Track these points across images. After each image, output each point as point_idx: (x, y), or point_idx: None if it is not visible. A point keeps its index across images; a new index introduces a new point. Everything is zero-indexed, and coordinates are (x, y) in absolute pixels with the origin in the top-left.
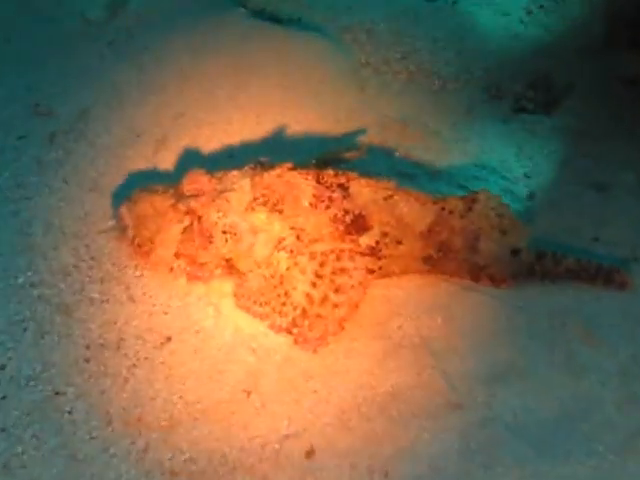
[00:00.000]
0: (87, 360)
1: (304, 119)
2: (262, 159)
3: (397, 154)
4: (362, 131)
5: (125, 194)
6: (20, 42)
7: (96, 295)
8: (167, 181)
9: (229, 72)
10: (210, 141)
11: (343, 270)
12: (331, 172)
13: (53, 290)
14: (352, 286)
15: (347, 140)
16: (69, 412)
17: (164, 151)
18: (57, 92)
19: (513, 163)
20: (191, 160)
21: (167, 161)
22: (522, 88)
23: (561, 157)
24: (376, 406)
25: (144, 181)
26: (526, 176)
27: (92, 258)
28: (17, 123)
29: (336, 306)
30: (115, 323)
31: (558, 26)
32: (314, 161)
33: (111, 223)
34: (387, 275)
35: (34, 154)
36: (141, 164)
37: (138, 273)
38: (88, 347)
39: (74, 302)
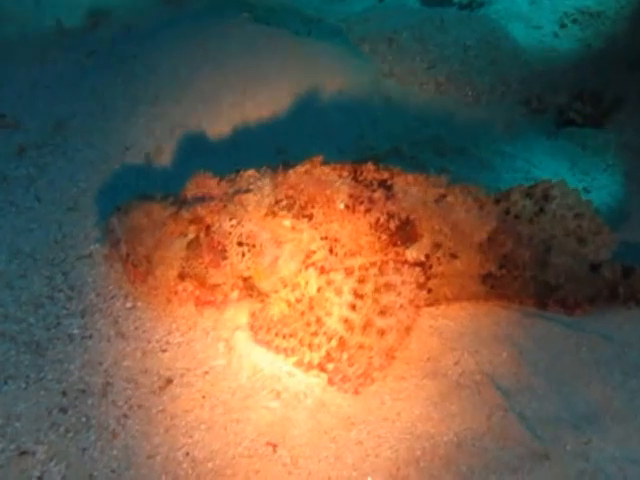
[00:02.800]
0: (63, 410)
1: (321, 130)
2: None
3: (432, 171)
4: (389, 145)
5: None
6: None
7: (75, 331)
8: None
9: (234, 80)
10: (214, 154)
11: (388, 286)
12: (371, 166)
13: (20, 325)
14: (401, 306)
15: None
16: (39, 477)
17: (158, 165)
18: (27, 103)
19: (568, 178)
20: (191, 174)
21: (162, 176)
22: (567, 101)
23: (622, 171)
24: (439, 460)
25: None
26: (586, 190)
27: (70, 288)
28: None
29: (382, 333)
30: (100, 364)
31: (595, 40)
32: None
33: (94, 247)
34: (436, 301)
35: None
36: (130, 180)
37: (129, 304)
38: (65, 394)
39: (47, 339)
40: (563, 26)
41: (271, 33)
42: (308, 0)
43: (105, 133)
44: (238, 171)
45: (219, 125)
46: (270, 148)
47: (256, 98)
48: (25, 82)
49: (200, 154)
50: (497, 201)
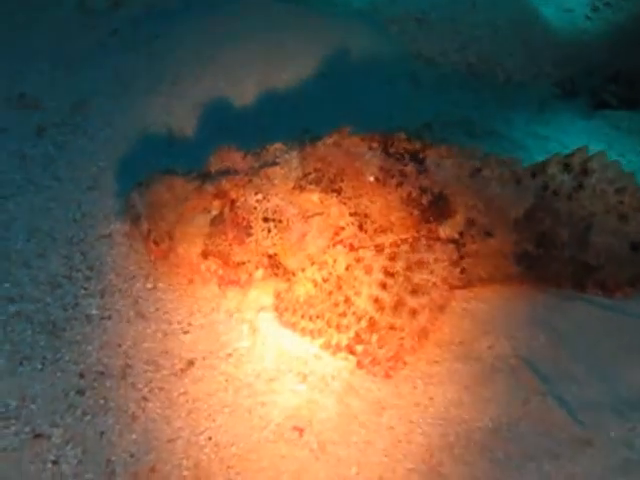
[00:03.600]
0: (81, 392)
1: (348, 111)
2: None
3: None
4: (420, 128)
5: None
6: (6, 28)
7: (94, 311)
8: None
9: (257, 58)
10: (237, 133)
11: (421, 263)
12: (402, 136)
13: (36, 305)
14: (434, 284)
15: None
16: (54, 462)
17: (180, 144)
18: (47, 82)
19: None
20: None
21: (184, 155)
22: (600, 83)
23: None
24: (474, 446)
25: None
26: None
27: (89, 267)
28: None
29: (414, 312)
30: (120, 345)
31: (628, 23)
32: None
33: (114, 226)
34: (469, 283)
35: (16, 148)
36: (151, 159)
37: (150, 285)
38: (82, 375)
39: (64, 319)
40: (595, 9)
41: (295, 11)
42: None
43: (126, 112)
44: (264, 146)
45: (242, 103)
46: (295, 127)
47: (280, 76)
48: (46, 61)
49: (223, 133)
50: (533, 175)
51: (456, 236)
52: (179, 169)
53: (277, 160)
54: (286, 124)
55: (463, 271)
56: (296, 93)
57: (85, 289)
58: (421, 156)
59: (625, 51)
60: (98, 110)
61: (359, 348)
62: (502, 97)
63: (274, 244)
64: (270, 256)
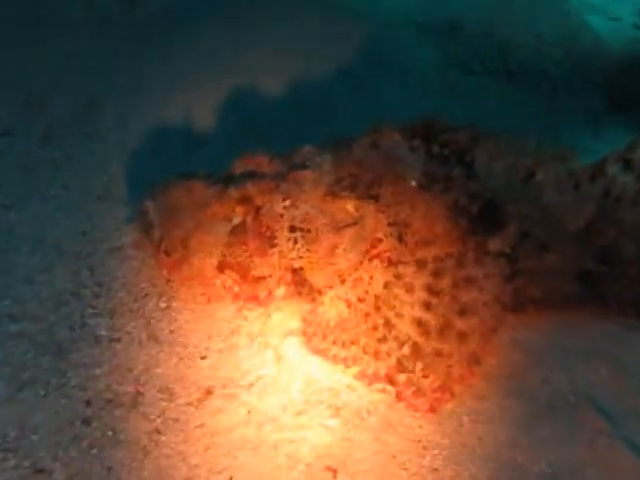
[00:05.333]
0: (87, 422)
1: (379, 117)
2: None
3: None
4: None
5: None
6: (15, 27)
7: (102, 332)
8: None
9: (282, 59)
10: (262, 138)
11: (469, 280)
12: (446, 123)
13: (40, 325)
14: (485, 303)
15: None
16: None
17: (199, 149)
18: (56, 82)
19: None
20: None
21: (204, 161)
22: None
23: None
24: None
25: None
26: None
27: (98, 284)
28: (2, 116)
29: (463, 336)
30: (130, 371)
31: None
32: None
33: (126, 239)
34: (521, 305)
35: (21, 153)
36: (168, 165)
37: (164, 304)
38: (89, 403)
39: (70, 341)
40: None
41: (325, 14)
42: None
43: (141, 114)
44: (293, 148)
45: (266, 106)
46: (322, 131)
47: (306, 78)
48: (56, 58)
49: (245, 137)
50: (592, 178)
51: (508, 250)
52: (200, 172)
53: (307, 164)
54: (313, 127)
55: (516, 290)
56: (323, 95)
57: (93, 308)
58: (468, 158)
59: None
60: (110, 112)
61: (402, 377)
62: (546, 108)
63: (300, 257)
64: (294, 271)
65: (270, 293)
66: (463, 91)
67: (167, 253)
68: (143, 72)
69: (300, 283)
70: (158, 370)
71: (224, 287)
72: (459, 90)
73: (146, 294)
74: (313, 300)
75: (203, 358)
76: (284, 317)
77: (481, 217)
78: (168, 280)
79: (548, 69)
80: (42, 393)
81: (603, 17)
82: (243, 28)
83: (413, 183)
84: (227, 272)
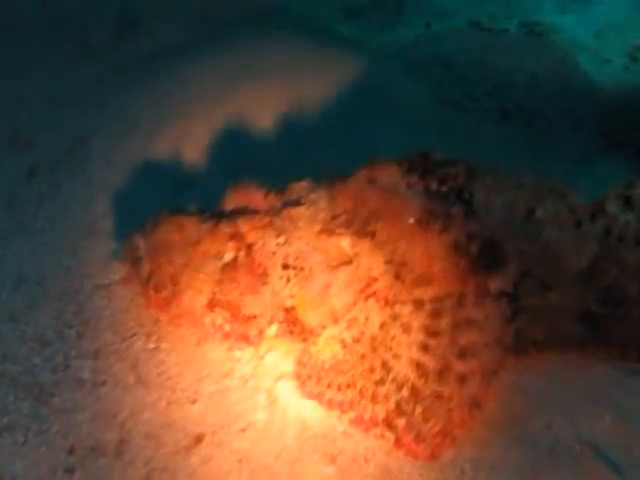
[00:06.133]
0: (69, 471)
1: (370, 156)
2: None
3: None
4: None
5: None
6: (3, 60)
7: (86, 375)
8: None
9: (274, 97)
10: (254, 176)
11: (468, 321)
12: (441, 157)
13: (22, 365)
14: (485, 345)
15: None
16: None
17: (189, 187)
18: (43, 119)
19: None
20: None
21: (193, 199)
22: None
23: None
24: None
25: None
26: None
27: (83, 323)
28: None
29: (463, 379)
30: (115, 416)
31: None
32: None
33: (113, 277)
34: (522, 348)
35: (6, 189)
36: (156, 202)
37: (152, 345)
38: (72, 451)
39: (53, 384)
40: (634, 59)
41: (318, 48)
42: (354, 29)
43: (128, 151)
44: (288, 184)
45: (257, 144)
46: (315, 169)
47: (298, 116)
48: (43, 96)
49: (236, 175)
50: (593, 216)
51: (509, 290)
52: (191, 207)
53: (302, 200)
54: (302, 162)
55: (517, 332)
56: (315, 133)
57: (77, 348)
58: (467, 194)
59: None
60: (98, 149)
61: (400, 422)
62: (541, 148)
63: (292, 295)
64: (287, 310)
65: (261, 332)
66: (457, 129)
67: (156, 289)
68: (131, 109)
69: (292, 322)
70: (145, 415)
71: (214, 325)
72: (452, 128)
73: (133, 334)
74: (305, 340)
75: (192, 402)
76: (277, 358)
77: (481, 256)
78: (156, 319)
79: (543, 108)
80: (21, 440)
81: (594, 58)
82: (232, 62)
83: (411, 220)
84: (217, 310)
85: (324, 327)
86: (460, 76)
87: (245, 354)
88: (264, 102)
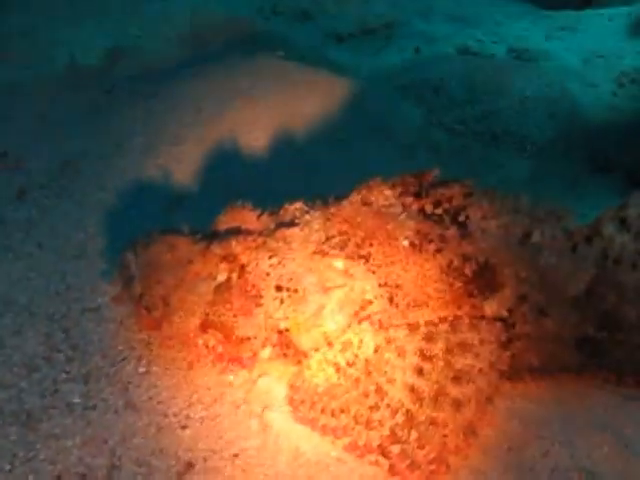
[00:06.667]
0: None
1: (363, 179)
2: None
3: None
4: None
5: None
6: None
7: (76, 399)
8: None
9: (268, 121)
10: (246, 198)
11: (464, 345)
12: (437, 174)
13: (9, 391)
14: (480, 370)
15: None
16: None
17: (180, 209)
18: (32, 141)
19: None
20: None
21: (185, 221)
22: (633, 160)
23: None
24: None
25: None
26: None
27: (72, 347)
28: None
29: (458, 404)
30: (105, 442)
31: None
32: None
33: (102, 300)
34: (517, 374)
35: None
36: (147, 226)
37: (142, 369)
38: (59, 478)
39: (41, 409)
40: (621, 85)
41: (308, 70)
42: (344, 54)
43: (119, 174)
44: (282, 205)
45: (249, 167)
46: (307, 192)
47: (290, 139)
48: (32, 119)
49: (227, 197)
50: (588, 238)
51: (504, 314)
52: (184, 228)
53: (296, 221)
54: (295, 184)
55: (512, 357)
56: (308, 157)
57: (66, 373)
58: (462, 217)
59: None
60: (88, 172)
61: (395, 449)
62: (531, 171)
63: (286, 317)
64: (280, 332)
65: (254, 354)
66: (447, 152)
67: (147, 309)
68: (122, 133)
69: (286, 345)
70: (135, 441)
71: (206, 347)
72: (443, 151)
73: (123, 358)
74: (299, 363)
75: (184, 428)
76: (270, 382)
77: (476, 279)
78: (147, 342)
79: (532, 133)
80: (7, 468)
81: (582, 84)
82: (225, 86)
83: (405, 243)
84: (210, 332)
85: (318, 350)
86: (450, 100)
87: (237, 378)
88: (256, 123)
